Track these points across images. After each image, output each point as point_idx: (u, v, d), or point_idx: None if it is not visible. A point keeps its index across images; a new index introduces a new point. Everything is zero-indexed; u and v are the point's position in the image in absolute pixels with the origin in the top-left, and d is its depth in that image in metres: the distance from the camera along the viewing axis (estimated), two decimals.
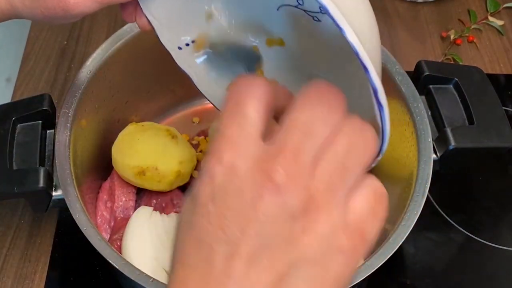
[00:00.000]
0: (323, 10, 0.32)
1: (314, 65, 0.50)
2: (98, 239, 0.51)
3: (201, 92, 0.54)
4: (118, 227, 0.61)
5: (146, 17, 0.48)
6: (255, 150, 0.29)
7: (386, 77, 0.61)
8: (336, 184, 0.29)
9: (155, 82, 0.71)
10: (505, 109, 0.70)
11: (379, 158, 0.40)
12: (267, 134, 0.30)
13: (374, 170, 0.70)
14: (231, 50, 0.53)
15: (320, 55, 0.50)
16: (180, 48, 0.51)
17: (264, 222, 0.28)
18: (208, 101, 0.54)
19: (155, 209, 0.62)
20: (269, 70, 0.53)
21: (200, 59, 0.53)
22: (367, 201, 0.30)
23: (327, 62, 0.49)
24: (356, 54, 0.32)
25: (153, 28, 0.49)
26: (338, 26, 0.32)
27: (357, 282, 0.48)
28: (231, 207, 0.28)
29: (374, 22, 0.37)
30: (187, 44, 0.51)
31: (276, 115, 0.32)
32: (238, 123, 0.30)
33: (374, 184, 0.31)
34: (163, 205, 0.64)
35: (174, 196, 0.64)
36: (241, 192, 0.28)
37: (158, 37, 0.49)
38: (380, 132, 0.37)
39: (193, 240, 0.29)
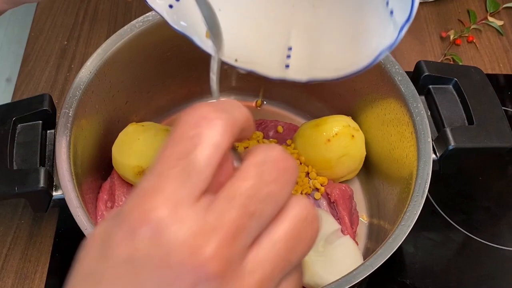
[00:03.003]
0: None
1: None
2: None
3: (177, 31, 0.47)
4: None
5: None
6: (193, 216, 0.25)
7: (386, 77, 0.61)
8: (271, 279, 0.26)
9: (155, 82, 0.71)
10: (504, 109, 0.70)
11: (409, 22, 0.37)
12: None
13: (374, 171, 0.71)
14: None
15: None
16: None
17: None
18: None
19: None
20: None
21: None
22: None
23: None
24: None
25: None
26: None
27: (357, 282, 0.48)
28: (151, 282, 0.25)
29: None
30: None
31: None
32: (183, 170, 0.26)
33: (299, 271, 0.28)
34: None
35: None
36: (164, 270, 0.25)
37: None
38: None
39: None
